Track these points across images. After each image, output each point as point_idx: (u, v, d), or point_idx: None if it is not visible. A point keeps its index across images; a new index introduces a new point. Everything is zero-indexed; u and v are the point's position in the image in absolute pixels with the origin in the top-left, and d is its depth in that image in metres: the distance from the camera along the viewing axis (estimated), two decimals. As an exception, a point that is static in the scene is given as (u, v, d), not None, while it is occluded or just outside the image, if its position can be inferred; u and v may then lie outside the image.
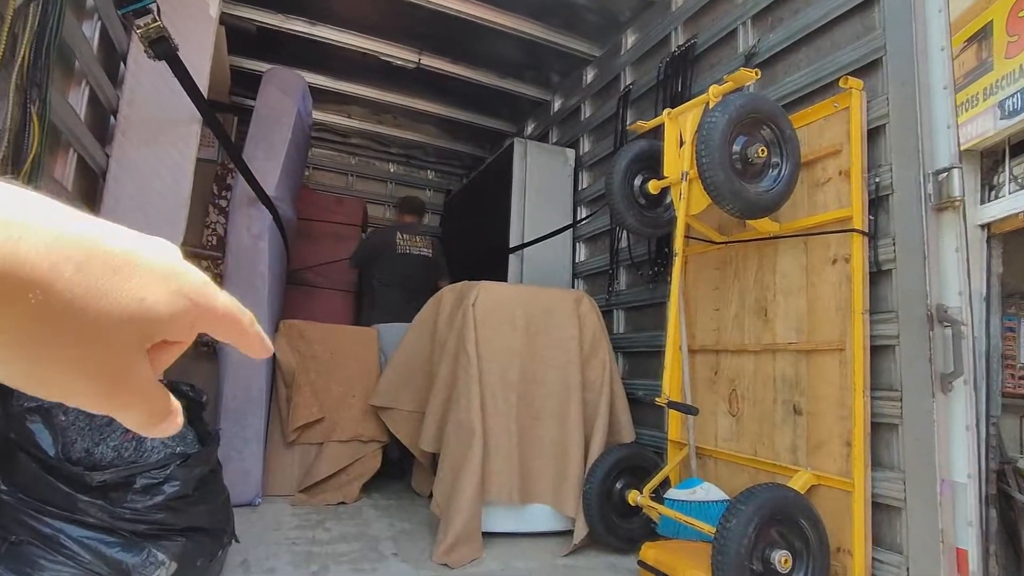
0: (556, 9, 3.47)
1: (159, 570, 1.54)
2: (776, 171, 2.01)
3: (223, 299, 0.30)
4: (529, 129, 4.83)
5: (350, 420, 3.17)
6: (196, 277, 0.29)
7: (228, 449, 2.79)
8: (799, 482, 1.89)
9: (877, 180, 1.92)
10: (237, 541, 1.92)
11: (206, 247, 3.18)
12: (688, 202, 2.19)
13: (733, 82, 2.04)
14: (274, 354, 3.02)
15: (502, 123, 4.99)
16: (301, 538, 2.38)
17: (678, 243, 2.20)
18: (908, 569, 1.69)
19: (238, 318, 0.31)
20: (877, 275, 1.92)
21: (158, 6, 1.89)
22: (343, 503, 2.98)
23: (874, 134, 1.97)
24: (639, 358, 3.13)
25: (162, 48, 1.94)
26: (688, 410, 2.03)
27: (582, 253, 3.84)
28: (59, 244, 0.23)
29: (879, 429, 1.85)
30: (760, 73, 2.07)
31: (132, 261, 0.25)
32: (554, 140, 4.35)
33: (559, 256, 3.77)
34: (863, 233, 1.90)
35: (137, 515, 1.55)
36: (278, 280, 3.20)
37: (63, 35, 1.65)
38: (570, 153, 3.93)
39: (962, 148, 1.89)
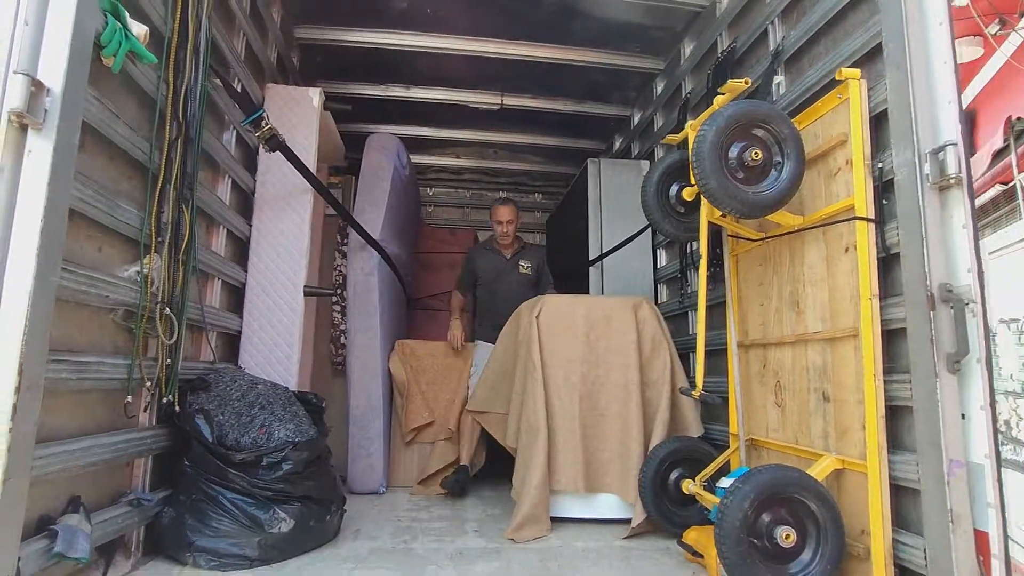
0: (627, 34, 3.71)
1: (281, 524, 2.13)
2: (778, 170, 2.09)
3: None
4: (617, 144, 5.06)
5: (456, 422, 3.66)
6: None
7: (357, 449, 3.44)
8: (819, 467, 1.95)
9: (880, 165, 1.93)
10: (345, 511, 2.48)
11: (335, 286, 3.93)
12: (711, 206, 2.34)
13: (730, 92, 2.18)
14: (389, 368, 3.65)
15: (592, 142, 5.29)
16: (406, 517, 2.90)
17: (702, 246, 2.36)
18: (925, 551, 1.69)
19: None
20: (892, 259, 1.92)
21: (266, 113, 2.57)
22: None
23: (881, 119, 1.98)
24: (710, 356, 3.20)
25: (274, 143, 2.63)
26: (711, 400, 2.18)
27: (663, 258, 3.98)
28: None
29: (899, 412, 1.85)
30: (750, 81, 2.17)
31: None
32: (635, 153, 4.55)
33: (639, 264, 3.96)
34: (868, 220, 1.92)
35: (265, 484, 2.16)
36: (391, 306, 3.83)
37: (207, 149, 2.37)
38: (644, 165, 4.11)
39: None
